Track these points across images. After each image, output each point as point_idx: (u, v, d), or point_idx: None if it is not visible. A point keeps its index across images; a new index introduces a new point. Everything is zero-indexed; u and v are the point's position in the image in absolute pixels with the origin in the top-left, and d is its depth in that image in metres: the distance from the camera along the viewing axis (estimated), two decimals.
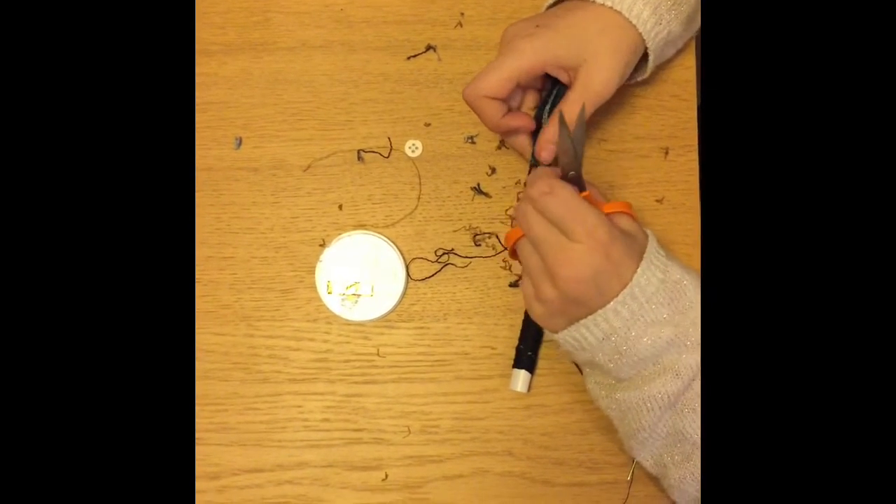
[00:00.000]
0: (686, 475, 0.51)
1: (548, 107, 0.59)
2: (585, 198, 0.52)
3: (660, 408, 0.50)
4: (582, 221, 0.49)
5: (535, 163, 0.58)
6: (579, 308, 0.50)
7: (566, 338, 0.52)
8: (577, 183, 0.53)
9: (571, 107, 0.55)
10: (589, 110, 0.56)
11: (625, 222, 0.52)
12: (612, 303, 0.49)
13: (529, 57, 0.55)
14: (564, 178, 0.53)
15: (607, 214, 0.51)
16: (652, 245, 0.51)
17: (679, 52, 0.64)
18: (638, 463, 0.56)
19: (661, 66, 0.64)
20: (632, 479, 0.60)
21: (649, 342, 0.50)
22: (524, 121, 0.58)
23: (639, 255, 0.50)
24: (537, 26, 0.56)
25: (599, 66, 0.55)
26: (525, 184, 0.56)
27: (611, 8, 0.55)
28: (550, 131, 0.56)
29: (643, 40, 0.56)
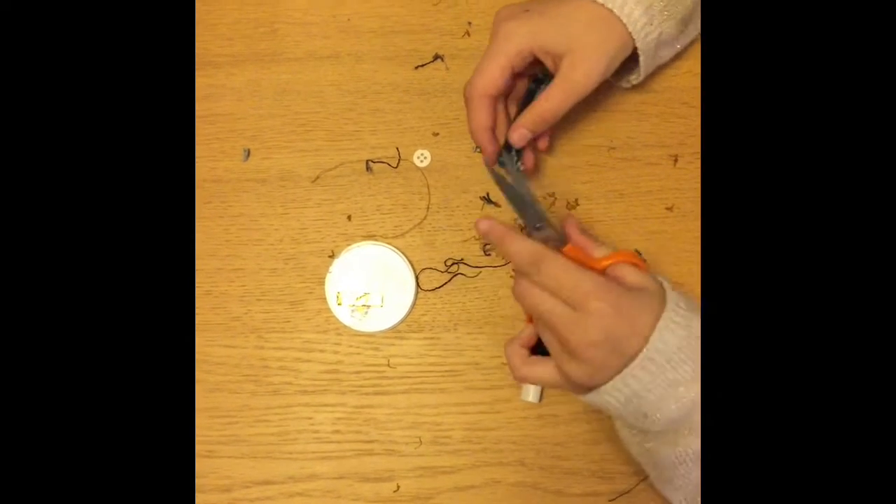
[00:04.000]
0: None
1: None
2: (569, 253, 0.50)
3: (693, 461, 0.48)
4: (577, 289, 0.46)
5: (504, 156, 0.58)
6: (603, 374, 0.47)
7: (590, 401, 0.50)
8: (554, 238, 0.51)
9: (553, 94, 0.55)
10: (569, 102, 0.55)
11: (630, 275, 0.49)
12: (628, 367, 0.46)
13: (520, 40, 0.55)
14: (532, 233, 0.52)
15: (605, 268, 0.49)
16: (670, 298, 0.48)
17: (679, 56, 0.63)
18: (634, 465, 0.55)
19: (669, 73, 0.64)
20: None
21: (674, 405, 0.47)
22: (494, 148, 0.57)
23: (654, 308, 0.47)
24: (527, 10, 0.56)
25: (584, 56, 0.54)
26: (476, 229, 0.52)
27: (602, 5, 0.55)
28: (527, 117, 0.56)
29: (633, 39, 0.56)
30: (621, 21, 0.55)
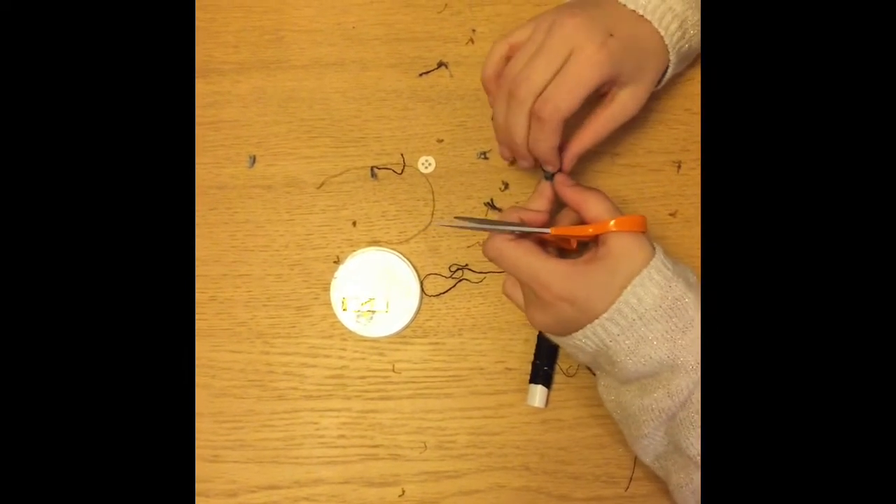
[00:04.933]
0: (683, 483, 0.51)
1: None
2: (554, 235, 0.52)
3: (657, 419, 0.51)
4: (533, 281, 0.51)
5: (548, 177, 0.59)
6: (567, 326, 0.51)
7: (563, 344, 0.54)
8: (536, 233, 0.52)
9: (604, 122, 0.56)
10: (614, 127, 0.57)
11: (615, 242, 0.50)
12: (600, 318, 0.49)
13: (606, 70, 0.52)
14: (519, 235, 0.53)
15: (592, 237, 0.51)
16: (656, 258, 0.50)
17: (689, 65, 0.64)
18: (638, 469, 0.57)
19: (673, 80, 0.65)
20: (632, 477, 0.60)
21: (640, 360, 0.50)
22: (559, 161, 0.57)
23: (624, 276, 0.49)
24: (611, 35, 0.53)
25: (644, 88, 0.56)
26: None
27: (642, 16, 0.55)
28: (578, 144, 0.56)
29: (667, 53, 0.57)
30: (659, 34, 0.55)
